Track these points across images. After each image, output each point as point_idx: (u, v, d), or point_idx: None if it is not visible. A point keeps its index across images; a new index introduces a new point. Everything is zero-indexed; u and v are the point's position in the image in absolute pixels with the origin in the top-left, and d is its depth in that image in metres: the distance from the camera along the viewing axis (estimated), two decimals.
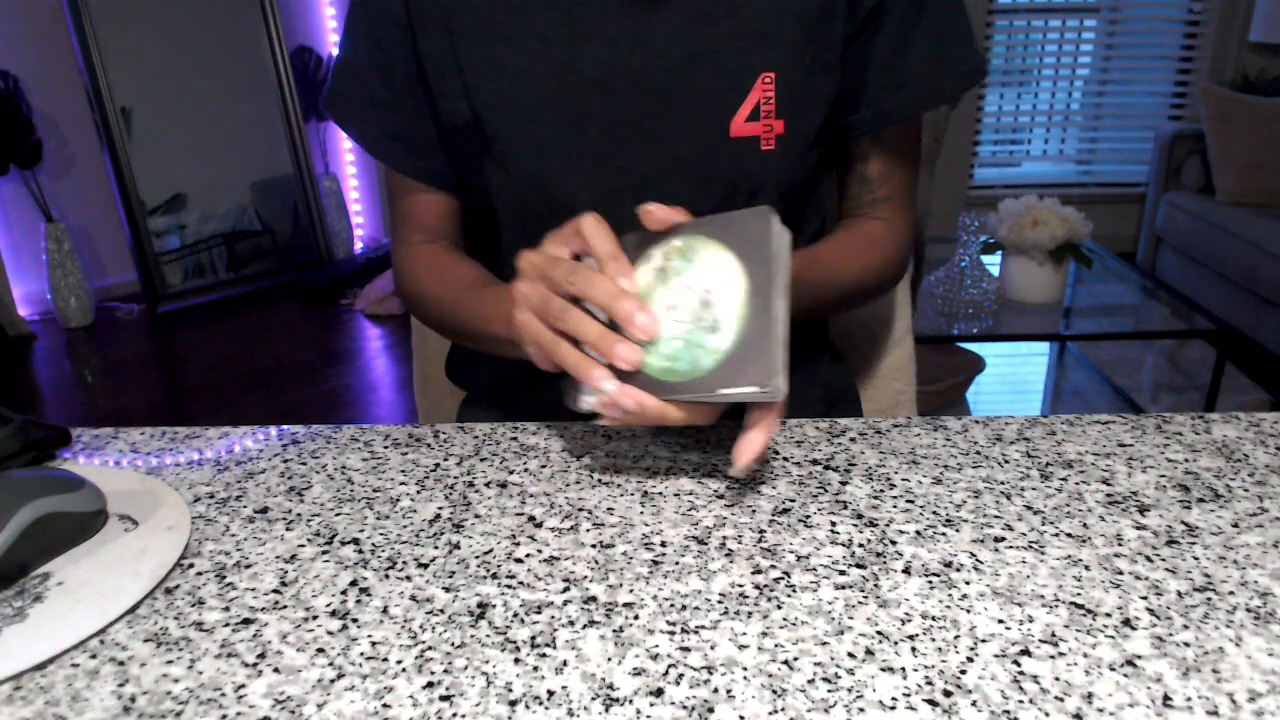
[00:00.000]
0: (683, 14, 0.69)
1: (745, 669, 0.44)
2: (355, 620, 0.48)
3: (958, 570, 0.52)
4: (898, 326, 0.99)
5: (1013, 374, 2.83)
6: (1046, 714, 0.41)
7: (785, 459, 0.64)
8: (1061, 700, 0.42)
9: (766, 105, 0.70)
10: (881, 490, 0.60)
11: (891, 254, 0.80)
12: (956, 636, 0.46)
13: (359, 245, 4.10)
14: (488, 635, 0.47)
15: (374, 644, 0.47)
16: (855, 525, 0.56)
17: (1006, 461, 0.63)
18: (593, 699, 0.43)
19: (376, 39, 0.76)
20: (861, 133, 0.76)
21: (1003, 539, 0.55)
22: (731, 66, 0.70)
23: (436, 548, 0.55)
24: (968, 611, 0.48)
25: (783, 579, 0.51)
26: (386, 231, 4.16)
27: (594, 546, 0.54)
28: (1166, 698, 0.42)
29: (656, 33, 0.69)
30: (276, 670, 0.45)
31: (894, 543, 0.54)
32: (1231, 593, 0.50)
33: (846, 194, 0.81)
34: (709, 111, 0.71)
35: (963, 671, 0.44)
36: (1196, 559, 0.52)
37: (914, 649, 0.46)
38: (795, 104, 0.71)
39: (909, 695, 0.43)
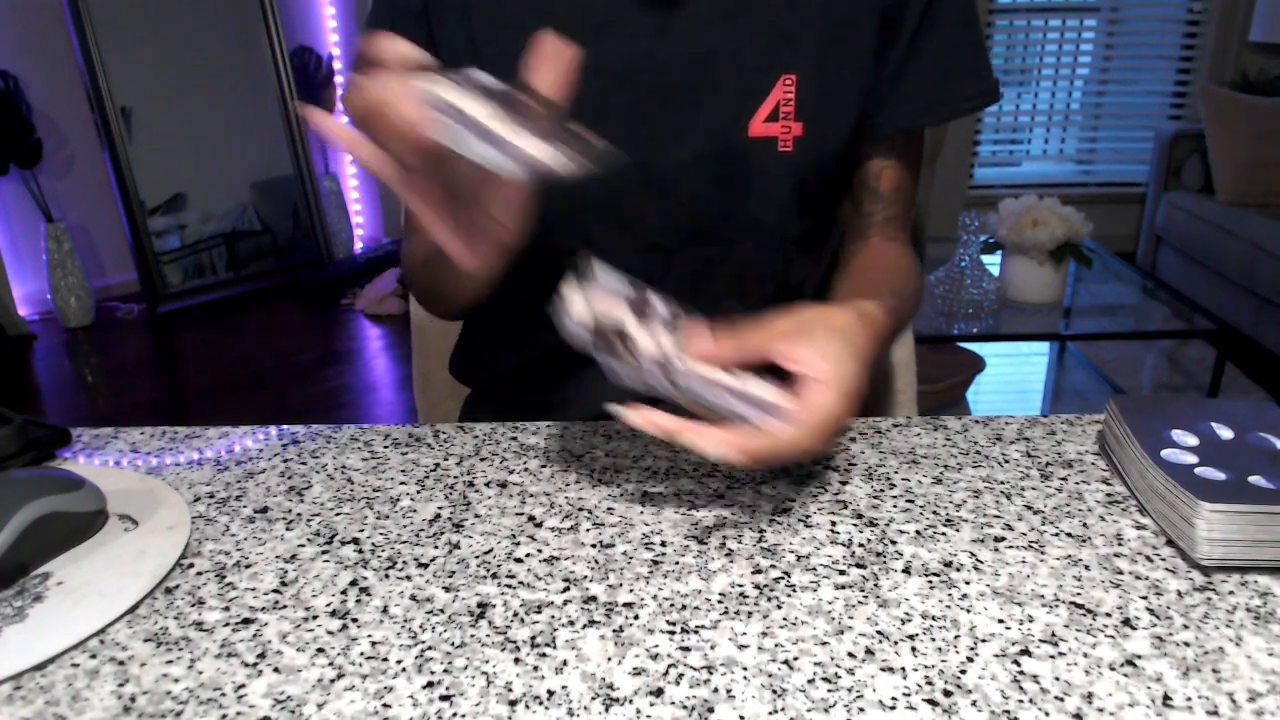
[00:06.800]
0: (707, 10, 0.69)
1: (745, 669, 0.44)
2: (355, 620, 0.48)
3: (958, 570, 0.52)
4: None
5: (1013, 374, 2.83)
6: (1046, 714, 0.41)
7: None
8: (1061, 700, 0.42)
9: (786, 107, 0.70)
10: (881, 490, 0.60)
11: (918, 281, 0.77)
12: (956, 636, 0.46)
13: (359, 245, 4.09)
14: (488, 635, 0.47)
15: (374, 644, 0.47)
16: (855, 525, 0.56)
17: (1006, 461, 0.63)
18: (593, 699, 0.43)
19: (394, 33, 0.76)
20: (866, 141, 0.76)
21: (1003, 539, 0.55)
22: (753, 66, 0.70)
23: (436, 548, 0.55)
24: (968, 611, 0.48)
25: (783, 579, 0.51)
26: (387, 231, 4.15)
27: (594, 546, 0.54)
28: (1166, 697, 0.42)
29: (679, 28, 0.69)
30: (276, 670, 0.45)
31: (894, 542, 0.54)
32: (1231, 592, 0.50)
33: (861, 210, 0.80)
34: (729, 110, 0.70)
35: (963, 671, 0.44)
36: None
37: (914, 649, 0.46)
38: (816, 107, 0.71)
39: (909, 695, 0.43)
